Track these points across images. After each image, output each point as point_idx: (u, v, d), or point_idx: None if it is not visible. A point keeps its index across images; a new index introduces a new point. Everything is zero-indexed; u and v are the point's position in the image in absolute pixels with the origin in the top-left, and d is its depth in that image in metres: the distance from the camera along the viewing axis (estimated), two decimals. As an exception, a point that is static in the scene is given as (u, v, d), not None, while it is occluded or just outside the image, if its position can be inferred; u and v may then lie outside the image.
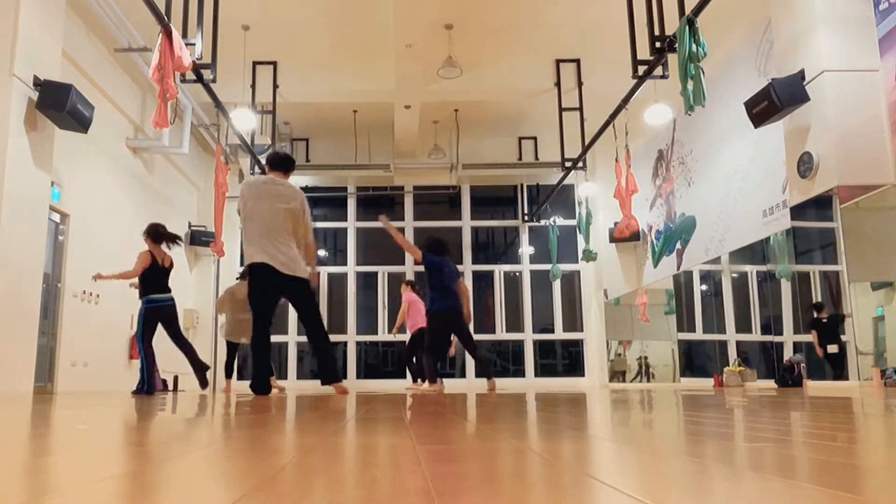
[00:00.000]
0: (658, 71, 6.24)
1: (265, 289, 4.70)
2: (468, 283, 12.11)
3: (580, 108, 9.06)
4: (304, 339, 10.84)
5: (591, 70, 9.08)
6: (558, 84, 9.34)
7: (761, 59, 7.58)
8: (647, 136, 10.31)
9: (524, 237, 12.38)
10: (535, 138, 11.72)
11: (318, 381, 6.03)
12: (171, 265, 6.29)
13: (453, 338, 6.94)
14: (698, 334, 9.94)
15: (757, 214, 7.67)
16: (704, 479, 0.78)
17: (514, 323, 11.93)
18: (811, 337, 6.62)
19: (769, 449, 1.08)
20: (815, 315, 6.66)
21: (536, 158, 11.62)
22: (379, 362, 12.37)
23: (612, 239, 11.03)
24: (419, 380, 8.58)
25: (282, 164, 4.94)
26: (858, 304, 5.96)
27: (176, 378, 9.54)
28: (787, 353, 7.31)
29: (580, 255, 10.83)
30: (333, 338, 11.83)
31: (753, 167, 7.80)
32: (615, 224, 9.98)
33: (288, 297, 4.85)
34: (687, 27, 5.12)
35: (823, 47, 5.91)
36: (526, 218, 12.17)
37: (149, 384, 6.42)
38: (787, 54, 6.34)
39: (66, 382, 7.26)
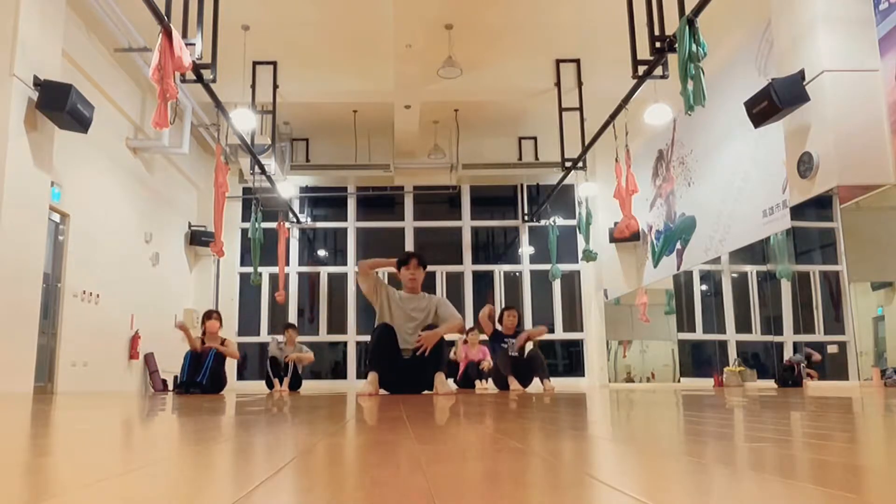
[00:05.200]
0: (658, 71, 6.23)
1: None
2: (468, 283, 12.11)
3: (580, 108, 9.05)
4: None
5: (591, 70, 9.08)
6: (558, 84, 9.33)
7: (761, 59, 7.58)
8: (647, 136, 10.30)
9: (524, 237, 12.38)
10: (535, 138, 11.72)
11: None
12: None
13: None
14: (698, 334, 9.94)
15: (757, 214, 7.67)
16: (704, 479, 0.78)
17: (514, 323, 11.92)
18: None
19: (769, 449, 1.08)
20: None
21: (536, 158, 11.62)
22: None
23: (612, 239, 11.02)
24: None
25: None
26: (858, 304, 5.95)
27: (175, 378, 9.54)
28: (787, 353, 7.30)
29: (580, 255, 10.82)
30: (333, 338, 11.88)
31: (753, 167, 7.79)
32: (615, 224, 9.97)
33: None
34: (687, 27, 5.12)
35: (823, 47, 5.91)
36: (526, 218, 12.17)
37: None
38: (787, 54, 6.34)
39: (66, 382, 7.25)
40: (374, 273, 5.16)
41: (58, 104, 5.91)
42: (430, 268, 12.68)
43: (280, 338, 8.50)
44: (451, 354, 8.34)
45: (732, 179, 8.23)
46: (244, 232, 11.38)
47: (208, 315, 7.36)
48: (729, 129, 8.18)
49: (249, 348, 11.58)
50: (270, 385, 8.12)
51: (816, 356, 6.79)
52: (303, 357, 8.25)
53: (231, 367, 10.91)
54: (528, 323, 11.69)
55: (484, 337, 7.67)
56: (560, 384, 10.13)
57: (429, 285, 12.20)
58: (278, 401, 3.84)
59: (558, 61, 9.18)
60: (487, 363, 7.65)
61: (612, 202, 8.34)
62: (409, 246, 12.17)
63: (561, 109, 9.30)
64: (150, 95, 9.09)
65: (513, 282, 12.29)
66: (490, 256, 12.80)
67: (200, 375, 6.74)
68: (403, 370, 4.86)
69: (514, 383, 6.53)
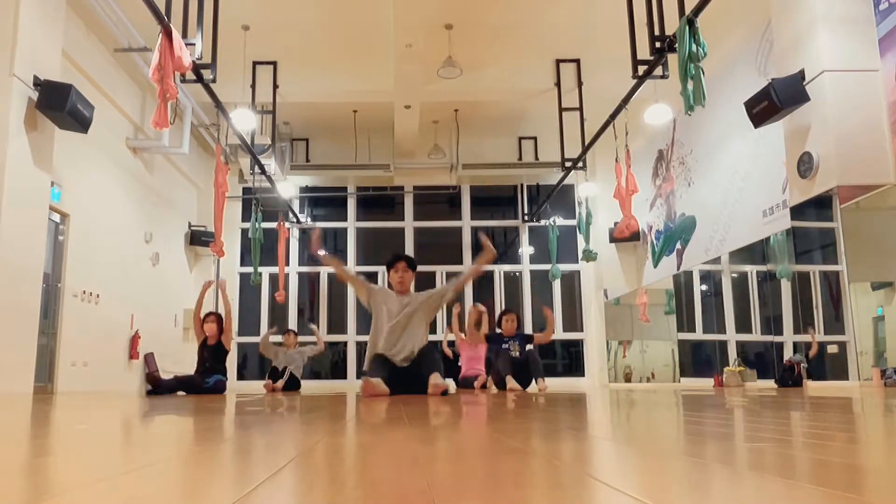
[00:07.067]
0: (658, 71, 6.22)
1: None
2: (468, 283, 12.09)
3: (580, 108, 9.05)
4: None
5: (591, 70, 9.08)
6: (558, 84, 9.33)
7: (761, 59, 7.58)
8: (647, 136, 10.31)
9: (524, 237, 12.38)
10: (535, 138, 11.72)
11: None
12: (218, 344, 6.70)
13: None
14: (698, 334, 9.93)
15: (757, 214, 7.67)
16: (704, 480, 0.78)
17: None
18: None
19: (769, 449, 1.08)
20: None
21: (536, 158, 11.62)
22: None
23: (612, 239, 11.02)
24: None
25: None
26: (858, 304, 5.96)
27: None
28: (787, 353, 7.30)
29: (580, 255, 10.82)
30: (333, 338, 11.88)
31: (753, 167, 7.80)
32: (615, 224, 9.97)
33: None
34: (687, 27, 5.12)
35: (823, 47, 5.91)
36: (526, 218, 12.16)
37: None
38: (787, 54, 6.34)
39: (66, 382, 7.25)
40: (357, 278, 5.36)
41: (58, 104, 5.91)
42: (430, 268, 12.67)
43: (278, 338, 8.57)
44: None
45: (732, 179, 8.23)
46: (244, 232, 11.38)
47: (205, 319, 6.86)
48: (729, 129, 8.18)
49: (249, 348, 11.58)
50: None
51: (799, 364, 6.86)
52: (317, 350, 8.57)
53: (231, 368, 10.93)
54: (527, 324, 11.71)
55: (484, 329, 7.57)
56: (560, 384, 10.13)
57: (429, 285, 12.23)
58: (277, 401, 3.84)
59: (558, 61, 9.18)
60: (483, 378, 7.54)
61: (612, 202, 8.33)
62: (410, 246, 12.18)
63: (561, 109, 9.30)
64: (150, 95, 9.09)
65: (513, 282, 12.29)
66: (490, 256, 12.77)
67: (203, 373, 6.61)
68: (398, 374, 4.85)
69: (511, 383, 6.52)
